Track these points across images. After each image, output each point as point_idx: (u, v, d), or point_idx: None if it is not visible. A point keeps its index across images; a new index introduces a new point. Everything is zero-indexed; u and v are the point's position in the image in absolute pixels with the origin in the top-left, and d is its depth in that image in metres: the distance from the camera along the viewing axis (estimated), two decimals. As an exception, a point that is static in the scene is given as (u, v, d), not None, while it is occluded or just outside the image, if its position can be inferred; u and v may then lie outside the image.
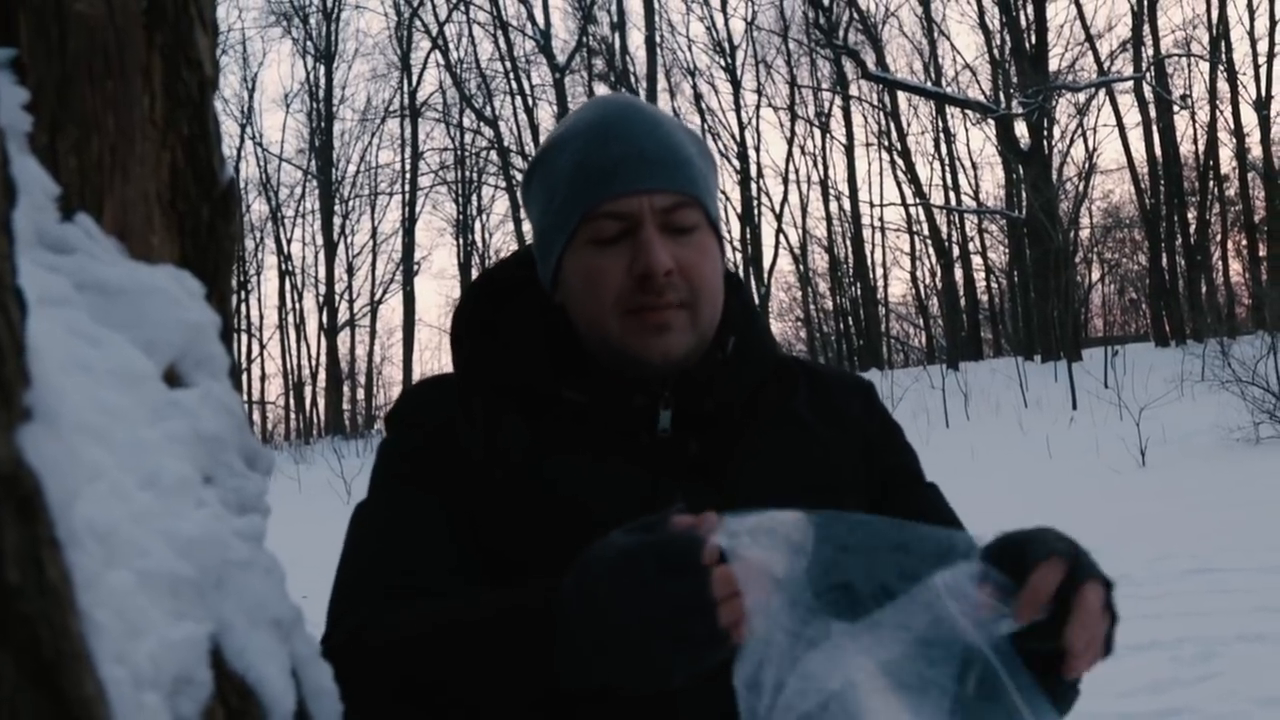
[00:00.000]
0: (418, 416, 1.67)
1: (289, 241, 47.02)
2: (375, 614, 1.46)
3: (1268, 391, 16.50)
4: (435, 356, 52.64)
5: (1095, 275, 48.52)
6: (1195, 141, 38.71)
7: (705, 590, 1.22)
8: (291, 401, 47.84)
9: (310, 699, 1.06)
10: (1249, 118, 37.32)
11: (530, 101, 41.06)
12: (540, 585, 1.32)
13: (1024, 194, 33.09)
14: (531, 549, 1.53)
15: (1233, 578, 7.44)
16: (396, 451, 1.65)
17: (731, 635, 1.23)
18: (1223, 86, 37.25)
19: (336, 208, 43.19)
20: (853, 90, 40.79)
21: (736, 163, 40.23)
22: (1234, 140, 37.85)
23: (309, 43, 43.88)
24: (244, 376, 47.59)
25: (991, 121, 34.16)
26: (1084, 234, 42.96)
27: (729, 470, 1.61)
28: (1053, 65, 34.89)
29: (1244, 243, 40.33)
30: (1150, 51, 36.14)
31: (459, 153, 43.46)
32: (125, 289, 1.05)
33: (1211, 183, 38.79)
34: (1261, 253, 37.59)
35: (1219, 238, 41.30)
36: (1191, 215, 37.91)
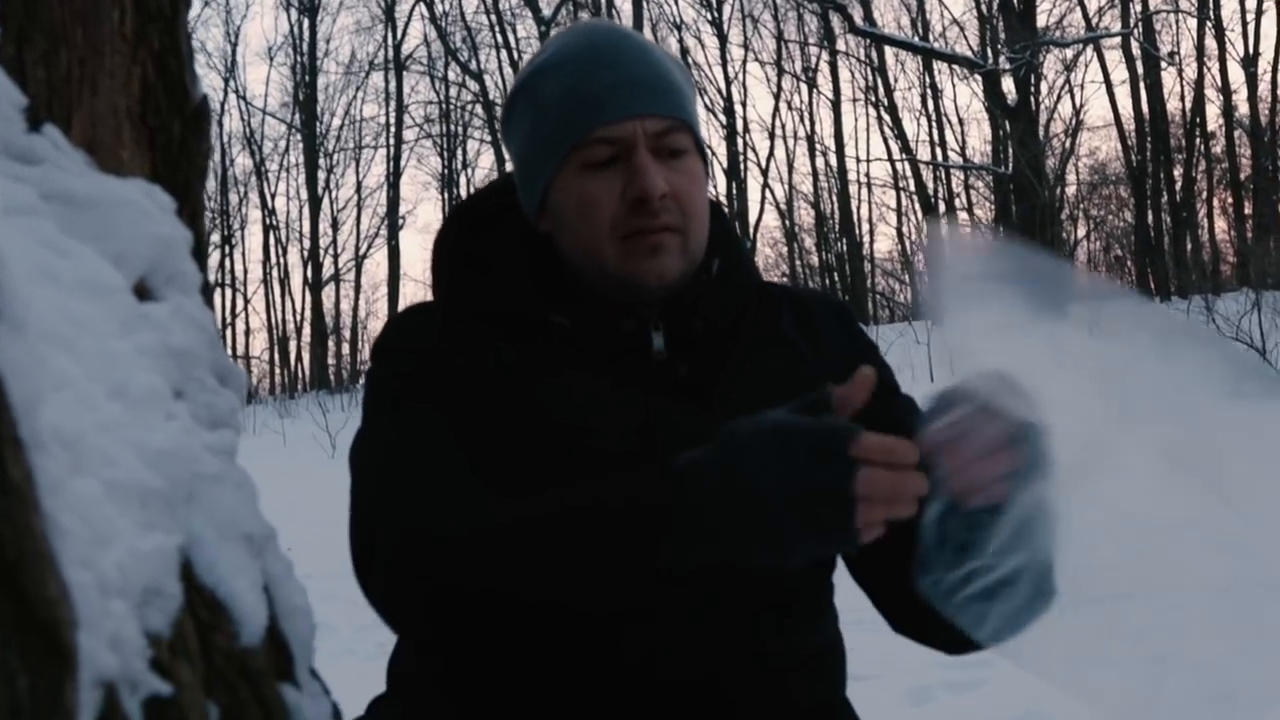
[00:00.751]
0: (407, 342, 1.65)
1: (273, 196, 46.83)
2: (440, 517, 1.42)
3: (1251, 347, 16.53)
4: (420, 311, 52.35)
5: (1081, 232, 48.51)
6: (1182, 98, 38.67)
7: (849, 482, 1.23)
8: (276, 356, 47.72)
9: (283, 617, 1.05)
10: (1236, 75, 37.36)
11: (516, 55, 40.80)
12: (650, 470, 1.34)
13: (1010, 150, 33.02)
14: (523, 471, 1.52)
15: (1214, 529, 7.47)
16: (391, 374, 1.62)
17: (861, 534, 1.24)
18: (1210, 44, 37.17)
19: (321, 162, 42.94)
20: (840, 45, 40.57)
21: (723, 117, 40.07)
22: (1221, 97, 37.80)
23: (293, -5, 43.57)
24: (228, 331, 47.53)
25: (979, 77, 34.05)
26: (1070, 190, 42.93)
27: (717, 391, 1.61)
28: (1040, 21, 34.73)
29: (1230, 200, 40.30)
30: (1138, 7, 36.03)
31: (444, 106, 43.21)
32: (94, 201, 1.04)
33: (1198, 140, 38.75)
34: (1247, 210, 37.57)
35: (1205, 195, 41.26)
36: (1178, 172, 37.90)
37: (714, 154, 39.44)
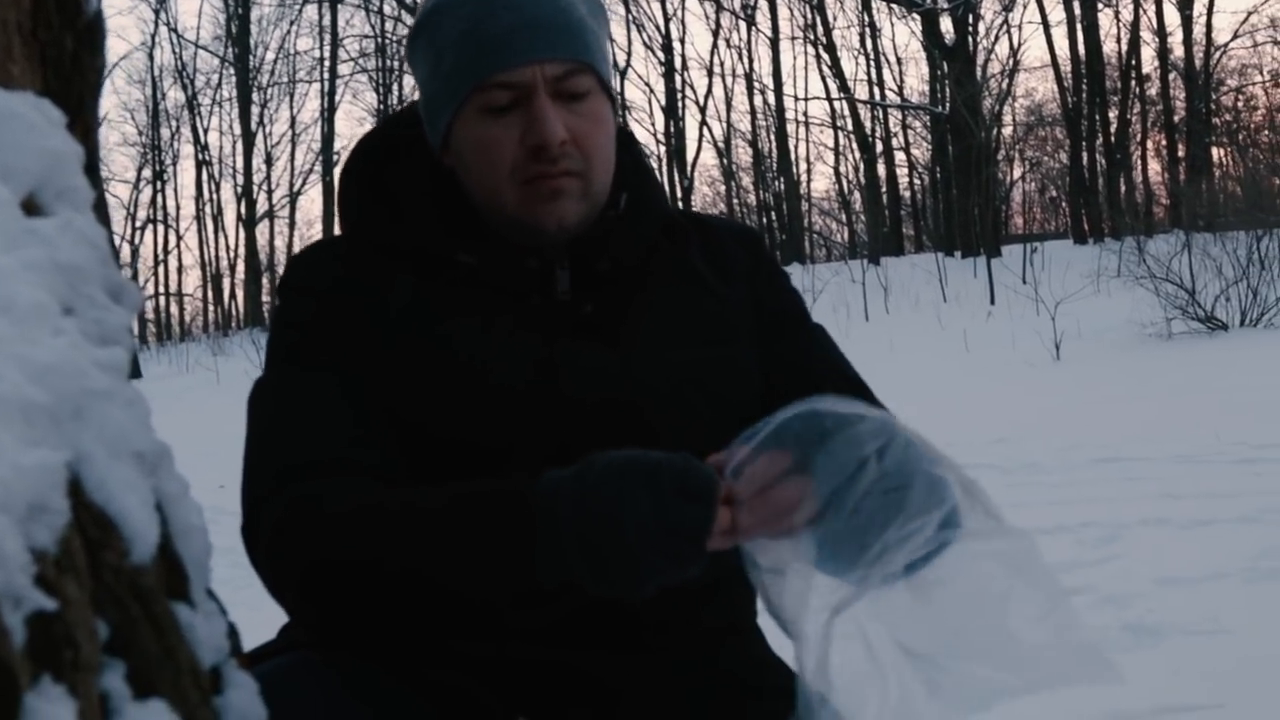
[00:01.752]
0: (309, 281, 1.64)
1: (206, 131, 46.34)
2: (328, 488, 1.45)
3: (1181, 288, 16.72)
4: (356, 249, 52.16)
5: (1017, 173, 48.84)
6: (1119, 40, 38.97)
7: (710, 522, 1.30)
8: (210, 293, 47.39)
9: (177, 537, 1.04)
10: (1172, 17, 37.52)
11: (452, -11, 40.30)
12: (522, 477, 1.36)
13: (948, 90, 33.13)
14: (427, 409, 1.53)
15: (1139, 466, 7.57)
16: (292, 321, 1.62)
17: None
18: (1147, -15, 37.36)
19: (254, 96, 42.41)
20: (779, -17, 40.45)
21: (661, 54, 39.93)
22: (1156, 40, 38.04)
23: (225, -75, 42.83)
24: (161, 268, 47.04)
25: (917, 16, 34.09)
26: (1006, 131, 43.13)
27: (623, 329, 1.61)
28: (979, -40, 34.77)
29: (1163, 142, 40.67)
30: (1076, -52, 36.10)
31: (379, 40, 42.71)
32: (-21, 113, 1.01)
33: (1133, 82, 39.00)
34: (1180, 153, 37.94)
35: (1139, 137, 41.63)
36: (1113, 114, 38.15)
37: (652, 91, 39.34)
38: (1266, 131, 45.49)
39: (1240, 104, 45.33)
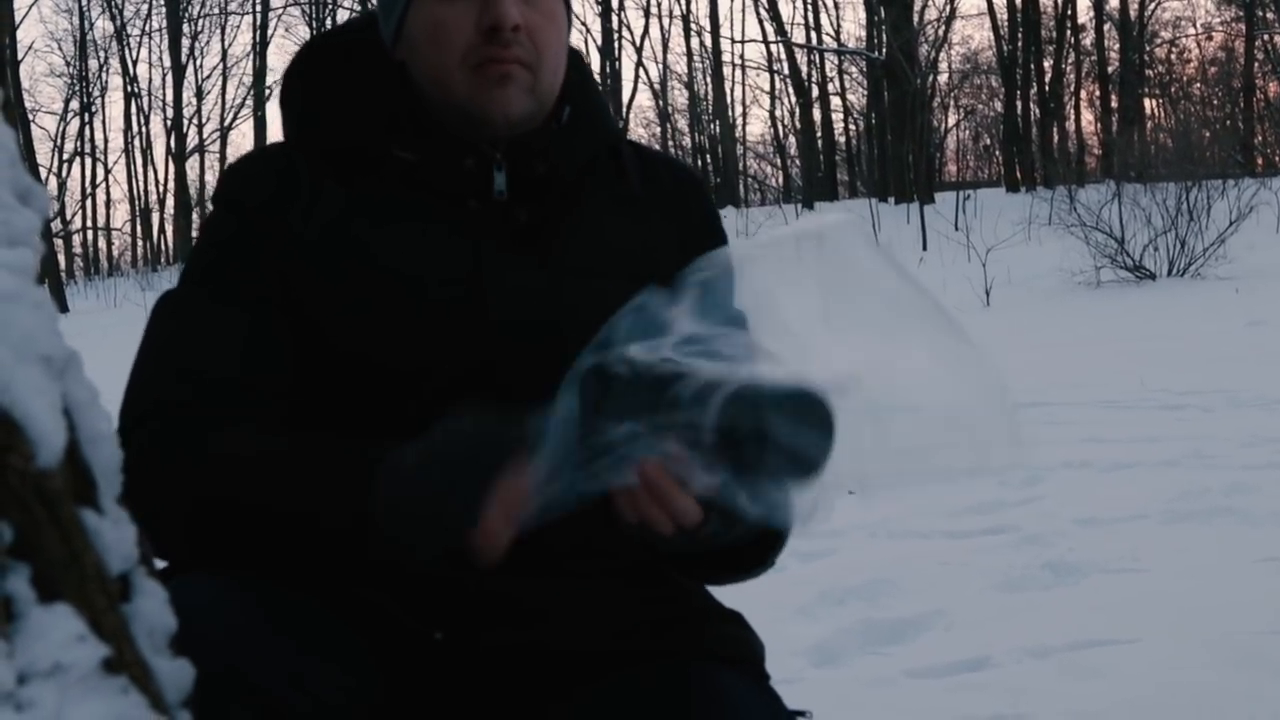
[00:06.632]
0: (239, 195, 1.61)
1: (135, 62, 45.55)
2: (197, 428, 1.44)
3: (1110, 237, 16.89)
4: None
5: (951, 120, 49.04)
6: (1055, -11, 39.02)
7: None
8: (138, 228, 46.86)
9: (86, 443, 1.03)
10: (1108, -33, 37.62)
11: (388, -77, 39.79)
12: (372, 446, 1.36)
13: (884, 35, 33.12)
14: (349, 326, 1.51)
15: (1064, 411, 7.66)
16: (214, 240, 1.59)
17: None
18: (1084, -66, 37.51)
19: (185, 28, 41.73)
20: (718, -76, 40.23)
21: (599, -6, 39.62)
22: (1092, -11, 38.19)
23: None
24: (89, 202, 46.42)
25: (855, -39, 33.98)
26: (942, 79, 43.27)
27: (555, 243, 1.59)
28: (918, -94, 34.71)
29: (1097, 93, 40.96)
30: (1015, -105, 36.13)
31: (314, -27, 42.15)
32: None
33: (1068, 32, 39.19)
34: (1113, 103, 38.22)
35: (1073, 87, 41.88)
36: (1048, 64, 38.33)
37: (588, 30, 39.13)
38: (1198, 84, 45.98)
39: (1173, 56, 45.77)
